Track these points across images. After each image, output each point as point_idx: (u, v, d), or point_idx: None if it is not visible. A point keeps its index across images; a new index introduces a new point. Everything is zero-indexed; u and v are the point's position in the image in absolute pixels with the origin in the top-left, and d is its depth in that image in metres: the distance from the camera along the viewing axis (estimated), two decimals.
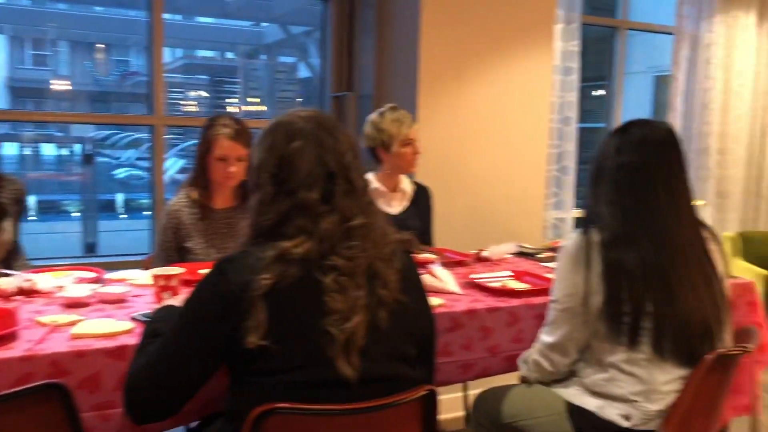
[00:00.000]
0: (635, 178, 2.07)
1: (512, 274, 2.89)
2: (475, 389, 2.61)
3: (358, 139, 2.52)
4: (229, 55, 20.79)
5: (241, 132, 3.00)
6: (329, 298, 1.52)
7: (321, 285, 1.53)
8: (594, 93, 8.63)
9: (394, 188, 3.55)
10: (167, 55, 7.18)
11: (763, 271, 5.03)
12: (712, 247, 2.11)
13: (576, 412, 2.04)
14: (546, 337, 2.15)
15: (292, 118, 1.66)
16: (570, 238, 2.14)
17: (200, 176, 3.09)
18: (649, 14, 8.07)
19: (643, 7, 9.17)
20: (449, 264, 2.93)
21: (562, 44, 4.78)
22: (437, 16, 4.06)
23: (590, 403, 2.02)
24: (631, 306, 1.95)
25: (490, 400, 2.31)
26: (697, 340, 1.93)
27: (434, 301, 2.28)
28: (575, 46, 4.83)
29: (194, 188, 3.11)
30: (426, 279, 2.32)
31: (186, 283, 2.30)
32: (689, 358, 1.92)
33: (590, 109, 7.92)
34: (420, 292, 1.74)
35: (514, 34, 4.33)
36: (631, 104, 10.71)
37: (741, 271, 5.29)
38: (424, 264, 2.68)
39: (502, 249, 3.38)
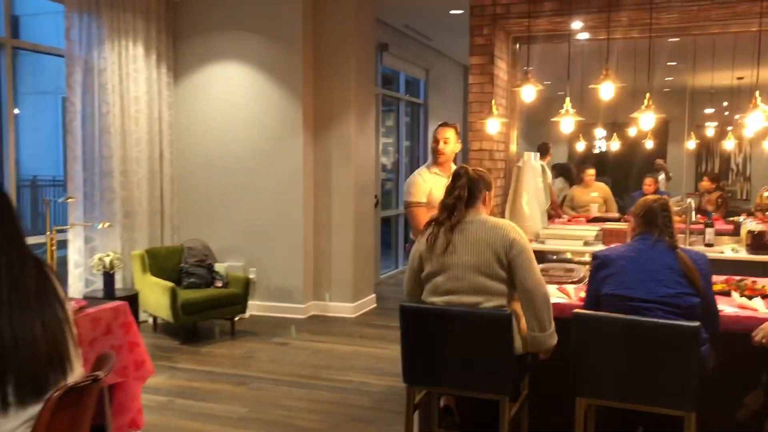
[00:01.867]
0: None
1: None
2: None
3: None
4: None
5: None
6: None
7: None
8: None
9: None
10: None
11: (169, 284, 5.44)
12: (48, 274, 1.98)
13: None
14: None
15: None
16: None
17: None
18: (47, 35, 7.89)
19: (42, 26, 8.94)
20: None
21: None
22: None
23: None
24: None
25: None
26: (43, 372, 1.83)
27: None
28: None
29: None
30: None
31: None
32: (36, 395, 1.82)
33: None
34: None
35: None
36: (34, 126, 10.32)
37: (150, 285, 5.63)
38: None
39: None
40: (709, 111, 10.34)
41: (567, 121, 4.69)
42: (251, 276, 6.42)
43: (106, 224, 5.28)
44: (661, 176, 9.28)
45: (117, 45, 5.92)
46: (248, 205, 6.52)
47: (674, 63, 8.66)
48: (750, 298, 3.22)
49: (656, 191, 7.86)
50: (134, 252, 5.86)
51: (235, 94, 6.51)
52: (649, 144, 8.67)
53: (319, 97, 6.49)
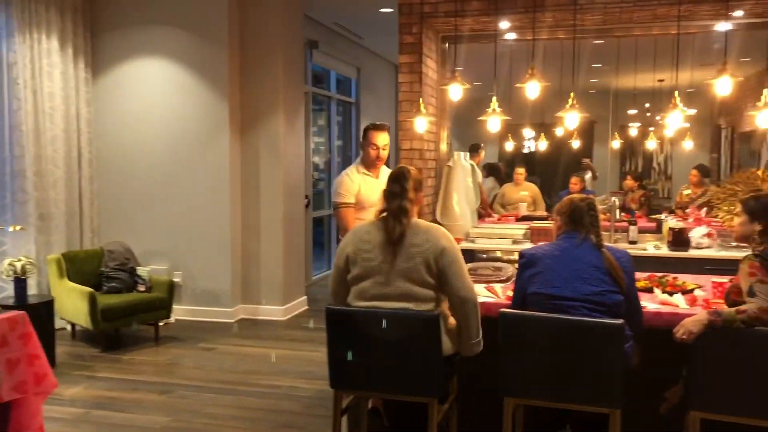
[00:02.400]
0: None
1: None
2: None
3: None
4: None
5: None
6: None
7: None
8: None
9: None
10: None
11: (87, 289, 5.18)
12: None
13: None
14: None
15: None
16: None
17: None
18: None
19: None
20: None
21: None
22: None
23: None
24: None
25: None
26: None
27: None
28: None
29: None
30: None
31: None
32: None
33: None
34: None
35: None
36: None
37: (67, 291, 5.36)
38: None
39: None
40: (632, 112, 10.65)
41: (494, 121, 4.69)
42: (176, 279, 6.20)
43: (18, 227, 4.98)
44: (588, 175, 9.48)
45: (29, 38, 5.61)
46: (173, 206, 6.30)
47: (599, 65, 8.86)
48: (671, 294, 3.28)
49: (582, 190, 8.02)
50: (50, 256, 5.56)
51: (157, 92, 6.27)
52: (575, 144, 8.86)
53: (246, 94, 6.33)
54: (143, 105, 6.30)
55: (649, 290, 3.36)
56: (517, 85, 4.51)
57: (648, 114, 10.48)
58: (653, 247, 5.24)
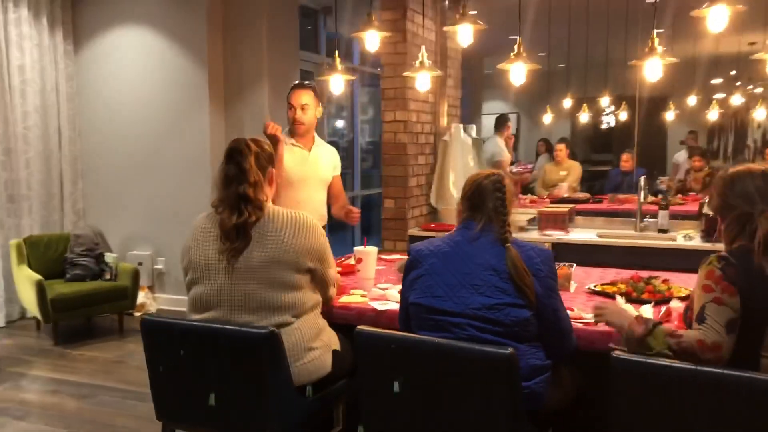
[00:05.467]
0: None
1: None
2: None
3: None
4: None
5: None
6: None
7: None
8: None
9: None
10: None
11: (36, 276, 4.78)
12: None
13: None
14: None
15: None
16: None
17: None
18: None
19: None
20: None
21: None
22: None
23: None
24: None
25: None
26: None
27: None
28: None
29: None
30: None
31: None
32: None
33: None
34: None
35: None
36: None
37: (22, 279, 4.99)
38: None
39: None
40: (716, 81, 9.23)
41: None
42: (159, 266, 5.75)
43: None
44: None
45: None
46: (157, 188, 5.81)
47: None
48: (642, 303, 2.43)
49: (635, 170, 7.07)
50: (12, 241, 5.20)
51: (139, 63, 5.78)
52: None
53: (230, 63, 5.74)
54: (128, 78, 5.83)
55: (611, 298, 2.50)
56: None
57: (737, 83, 9.08)
58: (683, 237, 4.27)
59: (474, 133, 5.24)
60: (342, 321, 2.51)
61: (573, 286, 2.79)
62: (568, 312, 2.30)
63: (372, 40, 3.52)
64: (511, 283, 1.94)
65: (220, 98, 5.73)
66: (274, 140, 3.18)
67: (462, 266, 1.99)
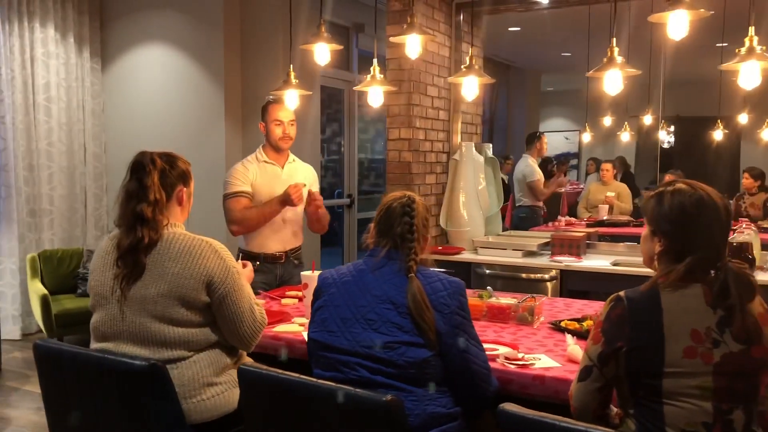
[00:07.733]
0: None
1: None
2: None
3: None
4: None
5: None
6: None
7: None
8: None
9: None
10: None
11: (42, 290, 4.80)
12: None
13: None
14: None
15: None
16: None
17: None
18: None
19: None
20: None
21: None
22: None
23: None
24: None
25: None
26: None
27: None
28: None
29: None
30: None
31: None
32: None
33: None
34: None
35: None
36: None
37: (33, 292, 5.05)
38: None
39: None
40: None
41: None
42: None
43: None
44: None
45: (17, 26, 5.38)
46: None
47: (724, 44, 7.21)
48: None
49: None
50: (29, 255, 5.28)
51: (160, 81, 5.82)
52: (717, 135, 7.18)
53: (247, 81, 5.69)
54: (150, 95, 5.87)
55: (573, 333, 2.23)
56: None
57: None
58: None
59: (490, 152, 4.98)
60: (273, 352, 2.34)
61: (539, 320, 2.53)
62: (509, 351, 2.07)
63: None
64: (410, 319, 1.72)
65: (237, 118, 5.68)
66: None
67: (358, 298, 1.78)
